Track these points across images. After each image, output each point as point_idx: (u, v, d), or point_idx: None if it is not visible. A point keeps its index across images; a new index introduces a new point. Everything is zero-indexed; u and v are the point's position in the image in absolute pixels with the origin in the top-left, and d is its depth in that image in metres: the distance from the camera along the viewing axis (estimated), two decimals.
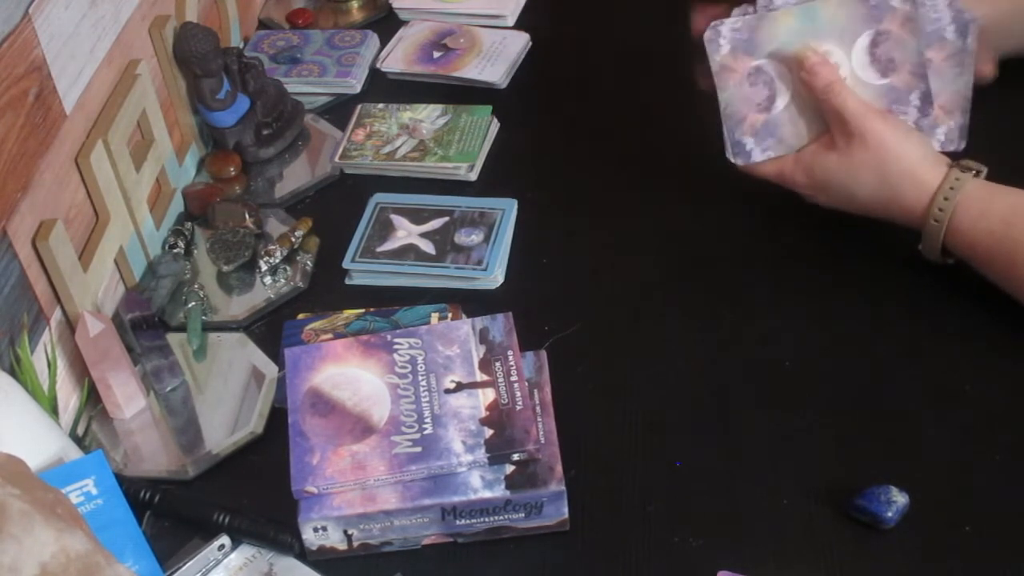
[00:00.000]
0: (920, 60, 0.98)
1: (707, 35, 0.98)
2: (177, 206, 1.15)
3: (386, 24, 1.40)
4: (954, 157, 0.97)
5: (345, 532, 0.83)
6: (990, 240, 0.92)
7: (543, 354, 0.92)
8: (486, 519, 0.83)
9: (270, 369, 0.99)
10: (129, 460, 0.93)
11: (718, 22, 0.98)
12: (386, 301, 1.03)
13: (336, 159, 1.19)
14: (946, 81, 0.99)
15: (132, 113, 1.05)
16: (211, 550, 0.83)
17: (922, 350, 0.94)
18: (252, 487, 0.89)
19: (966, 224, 0.93)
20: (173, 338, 1.02)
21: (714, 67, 0.98)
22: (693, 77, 1.05)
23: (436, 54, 1.32)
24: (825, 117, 0.98)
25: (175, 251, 1.10)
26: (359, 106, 1.25)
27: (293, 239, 1.09)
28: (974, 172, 0.94)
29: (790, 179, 1.01)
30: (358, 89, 1.30)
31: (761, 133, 1.00)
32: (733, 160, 1.02)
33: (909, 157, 0.95)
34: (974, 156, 0.96)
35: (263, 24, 1.43)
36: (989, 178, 0.94)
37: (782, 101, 0.99)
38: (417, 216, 1.10)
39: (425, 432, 0.84)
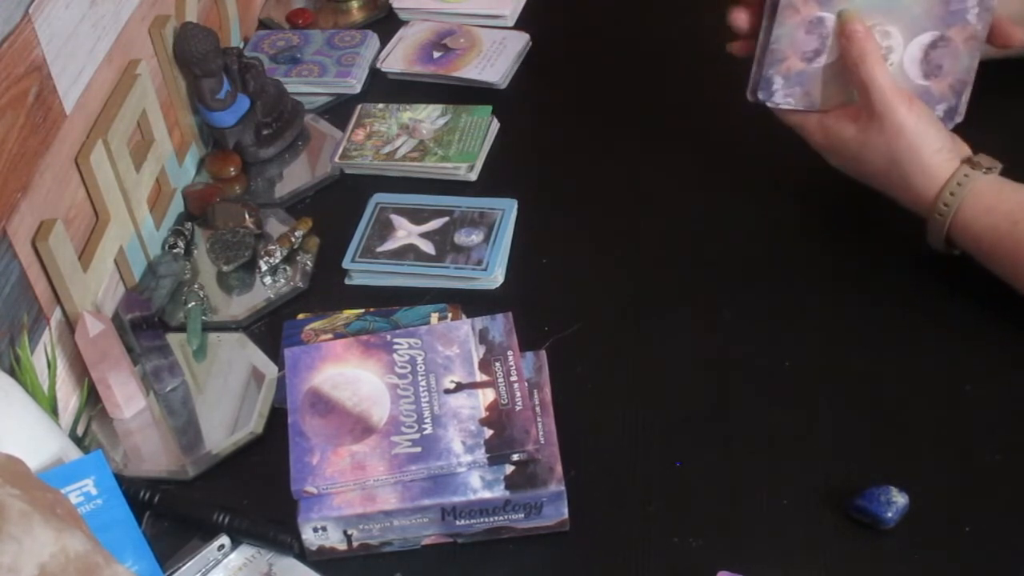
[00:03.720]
0: (965, 78, 0.98)
1: None
2: (177, 206, 1.15)
3: (386, 24, 1.40)
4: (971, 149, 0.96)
5: (345, 532, 0.83)
6: (994, 236, 0.92)
7: (543, 354, 0.92)
8: (486, 519, 0.83)
9: (270, 369, 0.99)
10: (129, 460, 0.93)
11: None
12: (386, 301, 1.03)
13: (336, 159, 1.19)
14: (962, 63, 0.98)
15: (132, 113, 1.05)
16: (211, 550, 0.83)
17: (922, 350, 0.94)
18: (252, 487, 0.90)
19: (971, 219, 0.93)
20: (173, 338, 1.02)
21: (783, 2, 0.98)
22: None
23: (436, 54, 1.32)
24: (854, 86, 0.98)
25: (175, 251, 1.10)
26: (359, 106, 1.25)
27: (293, 239, 1.09)
28: (985, 169, 0.94)
29: (808, 133, 1.01)
30: (358, 89, 1.30)
31: (792, 80, 1.00)
32: (754, 97, 1.01)
33: (924, 149, 0.95)
34: (988, 153, 0.96)
35: (263, 24, 1.43)
36: (1004, 175, 0.94)
37: (825, 59, 0.99)
38: (417, 216, 1.10)
39: (425, 432, 0.84)
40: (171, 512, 0.87)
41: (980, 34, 0.97)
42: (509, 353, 0.89)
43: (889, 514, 0.81)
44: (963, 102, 0.99)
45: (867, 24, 0.97)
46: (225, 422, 0.95)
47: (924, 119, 0.96)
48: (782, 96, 1.01)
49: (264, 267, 1.07)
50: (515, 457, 0.83)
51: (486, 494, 0.82)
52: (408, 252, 1.07)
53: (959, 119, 1.00)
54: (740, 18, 1.01)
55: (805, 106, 1.01)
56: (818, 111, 1.00)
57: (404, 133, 1.21)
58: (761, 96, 1.01)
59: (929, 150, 0.95)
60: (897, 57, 0.98)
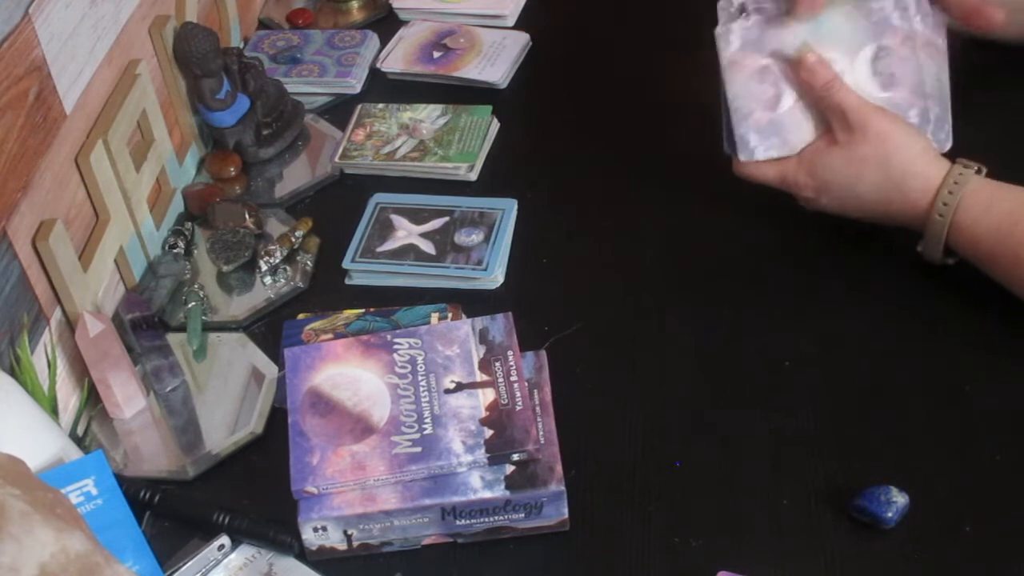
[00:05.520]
0: (921, 78, 0.98)
1: (718, 30, 0.98)
2: (177, 206, 1.15)
3: (386, 24, 1.40)
4: (951, 157, 0.97)
5: (345, 532, 0.83)
6: (995, 236, 0.92)
7: (543, 354, 0.92)
8: (486, 519, 0.83)
9: (270, 369, 0.99)
10: (129, 460, 0.93)
11: (731, 18, 0.98)
12: (386, 301, 1.03)
13: (336, 159, 1.19)
14: (909, 64, 0.98)
15: (132, 113, 1.05)
16: (211, 550, 0.83)
17: (922, 350, 0.94)
18: (252, 487, 0.90)
19: (970, 220, 0.93)
20: (173, 338, 1.02)
21: (723, 62, 0.98)
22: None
23: (436, 54, 1.32)
24: (825, 115, 0.98)
25: (175, 251, 1.10)
26: (359, 106, 1.25)
27: (293, 239, 1.09)
28: (976, 169, 0.94)
29: (792, 181, 1.00)
30: (358, 89, 1.30)
31: (766, 131, 1.00)
32: (734, 155, 1.02)
33: (911, 150, 0.95)
34: (971, 156, 0.96)
35: (263, 24, 1.43)
36: (989, 177, 0.94)
37: (787, 102, 0.99)
38: (417, 216, 1.10)
39: (425, 432, 0.84)
40: (171, 512, 0.87)
41: (915, 34, 0.97)
42: (509, 353, 0.89)
43: (889, 514, 0.81)
44: (932, 104, 0.98)
45: None
46: (225, 422, 0.95)
47: (900, 123, 0.97)
48: (763, 151, 1.00)
49: (264, 267, 1.07)
50: (515, 457, 0.83)
51: (486, 494, 0.82)
52: (408, 252, 1.07)
53: (942, 126, 0.99)
54: None
55: (786, 152, 1.00)
56: (795, 155, 1.00)
57: (404, 133, 1.21)
58: (743, 157, 1.01)
59: (917, 149, 0.95)
60: (850, 79, 0.98)
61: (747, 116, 1.00)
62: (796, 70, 0.98)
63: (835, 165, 0.98)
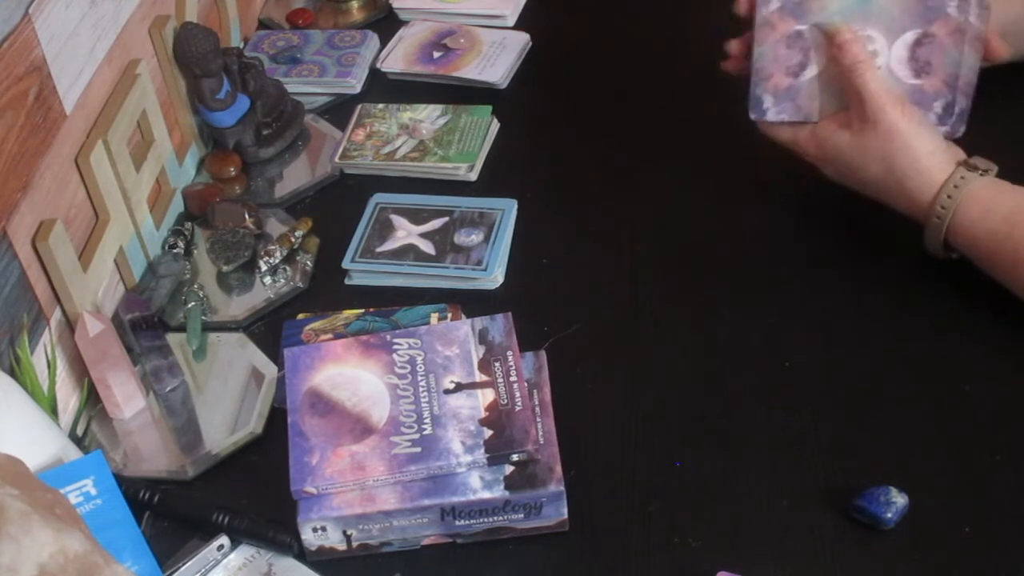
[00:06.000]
0: (956, 72, 0.98)
1: None
2: (177, 206, 1.15)
3: (386, 24, 1.40)
4: (964, 149, 0.96)
5: (344, 532, 0.83)
6: (992, 240, 0.92)
7: (543, 354, 0.92)
8: (485, 520, 0.83)
9: (270, 369, 0.99)
10: (128, 460, 0.93)
11: None
12: (386, 301, 1.03)
13: (336, 159, 1.19)
14: (951, 56, 0.98)
15: (132, 113, 1.05)
16: (210, 550, 0.83)
17: (922, 350, 0.94)
18: (251, 487, 0.90)
19: (968, 222, 0.93)
20: (173, 338, 1.02)
21: (759, 20, 0.98)
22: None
23: (436, 54, 1.32)
24: (847, 94, 0.98)
25: (175, 251, 1.10)
26: (359, 106, 1.25)
27: (293, 239, 1.09)
28: (981, 171, 0.94)
29: (802, 147, 1.02)
30: (358, 89, 1.30)
31: (782, 96, 1.00)
32: (749, 110, 1.02)
33: (918, 151, 0.95)
34: (982, 155, 0.96)
35: (263, 24, 1.43)
36: (1000, 177, 0.94)
37: (811, 71, 0.99)
38: (417, 216, 1.10)
39: (424, 432, 0.84)
40: (170, 512, 0.87)
41: (968, 27, 0.96)
42: (509, 353, 0.89)
43: (889, 514, 0.81)
44: (960, 97, 0.98)
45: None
46: (225, 422, 0.95)
47: (916, 122, 0.96)
48: (774, 113, 1.01)
49: (264, 267, 1.07)
50: (515, 457, 0.83)
51: (486, 494, 0.82)
52: (408, 252, 1.07)
53: (962, 118, 0.99)
54: (732, 44, 1.03)
55: (798, 119, 1.01)
56: (811, 123, 1.01)
57: (404, 133, 1.21)
58: (754, 116, 1.02)
59: (924, 151, 0.95)
60: (884, 60, 0.98)
61: (766, 78, 1.00)
62: (829, 42, 0.98)
63: (842, 147, 0.98)
